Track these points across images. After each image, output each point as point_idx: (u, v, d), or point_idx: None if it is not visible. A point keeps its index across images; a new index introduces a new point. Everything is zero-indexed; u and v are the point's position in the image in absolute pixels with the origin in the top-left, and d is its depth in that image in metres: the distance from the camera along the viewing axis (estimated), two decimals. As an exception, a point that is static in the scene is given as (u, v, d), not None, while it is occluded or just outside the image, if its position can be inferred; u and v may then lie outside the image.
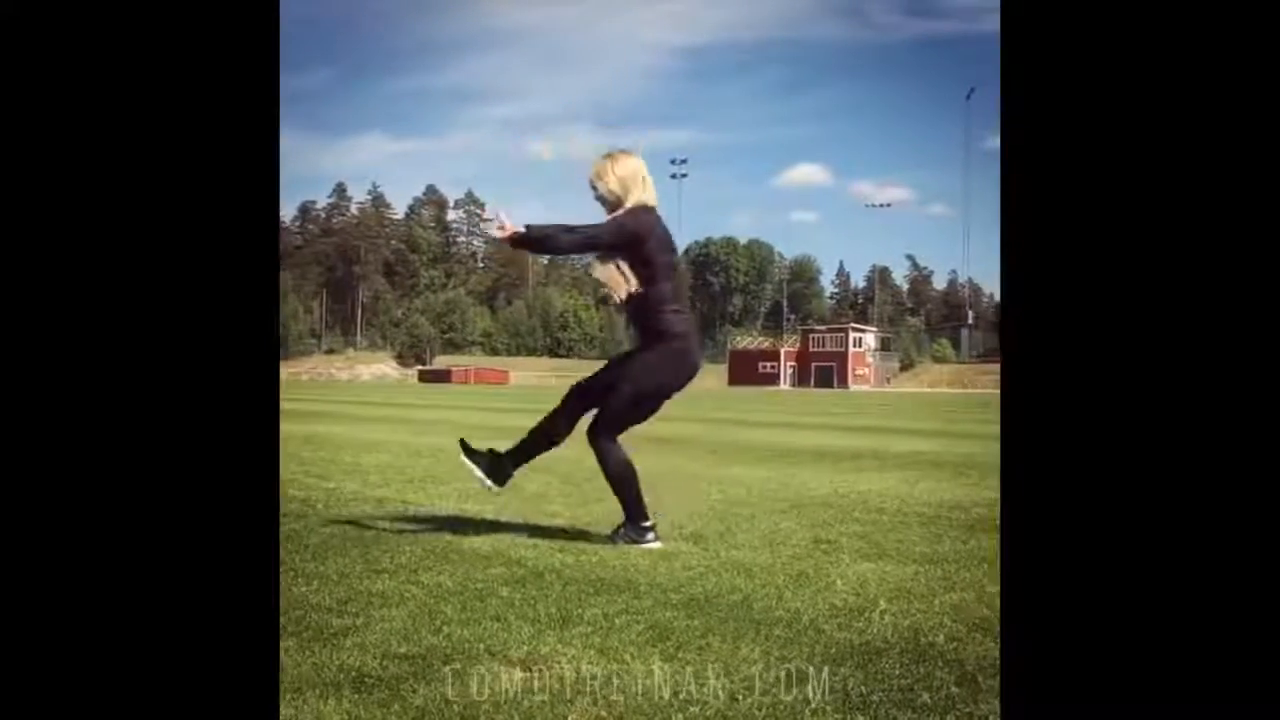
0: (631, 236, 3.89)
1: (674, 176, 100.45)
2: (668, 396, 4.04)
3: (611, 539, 3.96)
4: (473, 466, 4.16)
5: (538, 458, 4.17)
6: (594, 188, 4.02)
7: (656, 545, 3.89)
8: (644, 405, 4.03)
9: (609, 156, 4.02)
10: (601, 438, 4.00)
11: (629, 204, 3.96)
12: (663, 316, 3.93)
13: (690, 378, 4.05)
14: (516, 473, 4.18)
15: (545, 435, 4.12)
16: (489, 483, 4.13)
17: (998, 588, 3.14)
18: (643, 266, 3.90)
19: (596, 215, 4.03)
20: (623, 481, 4.00)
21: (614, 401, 3.99)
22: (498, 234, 3.93)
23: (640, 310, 3.95)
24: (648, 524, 3.98)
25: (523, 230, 3.89)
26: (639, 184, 3.98)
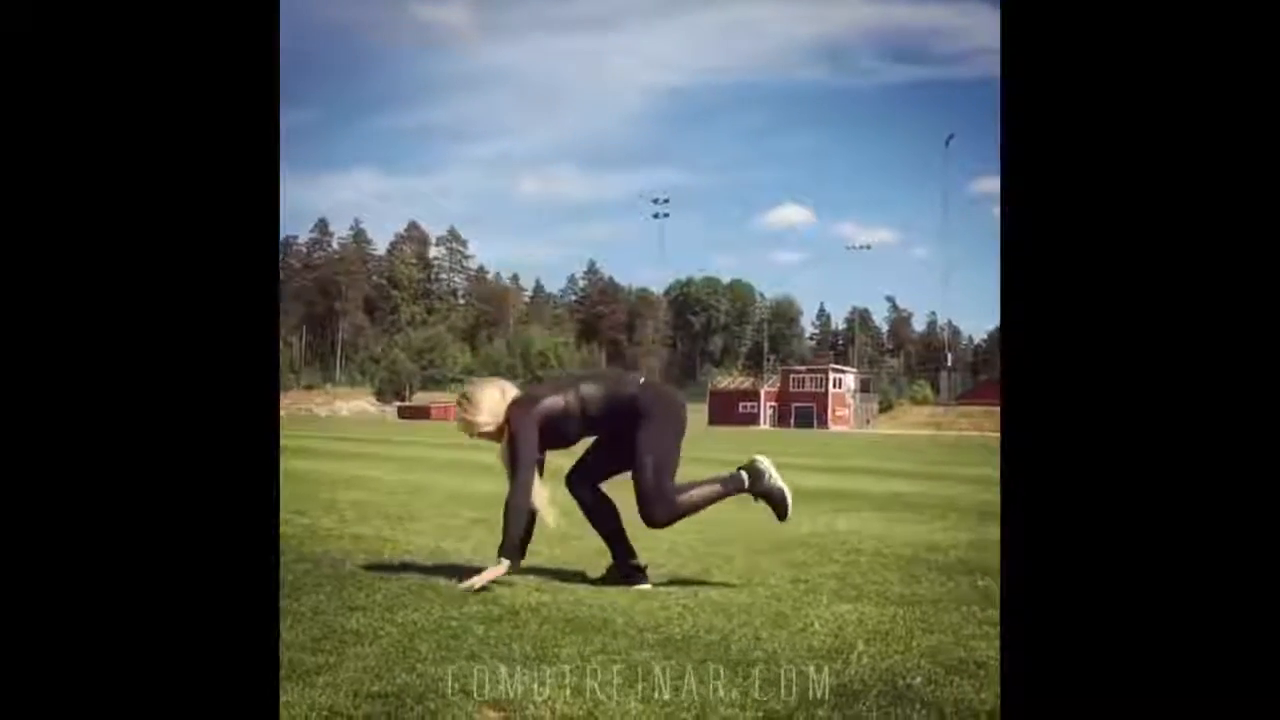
0: (529, 430, 3.83)
1: (656, 216, 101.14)
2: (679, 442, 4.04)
3: (781, 505, 4.04)
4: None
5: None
6: (473, 433, 3.94)
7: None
8: (668, 464, 3.98)
9: (464, 405, 3.94)
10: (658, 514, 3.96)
11: (505, 416, 3.89)
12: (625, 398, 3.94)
13: (682, 416, 4.08)
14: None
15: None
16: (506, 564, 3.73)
17: (976, 630, 3.14)
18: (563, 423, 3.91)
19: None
20: (710, 500, 4.05)
21: (647, 482, 3.90)
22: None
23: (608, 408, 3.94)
24: (745, 472, 4.05)
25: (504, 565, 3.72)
26: (501, 398, 3.93)
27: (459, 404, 3.99)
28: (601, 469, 4.11)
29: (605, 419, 3.96)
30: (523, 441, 3.81)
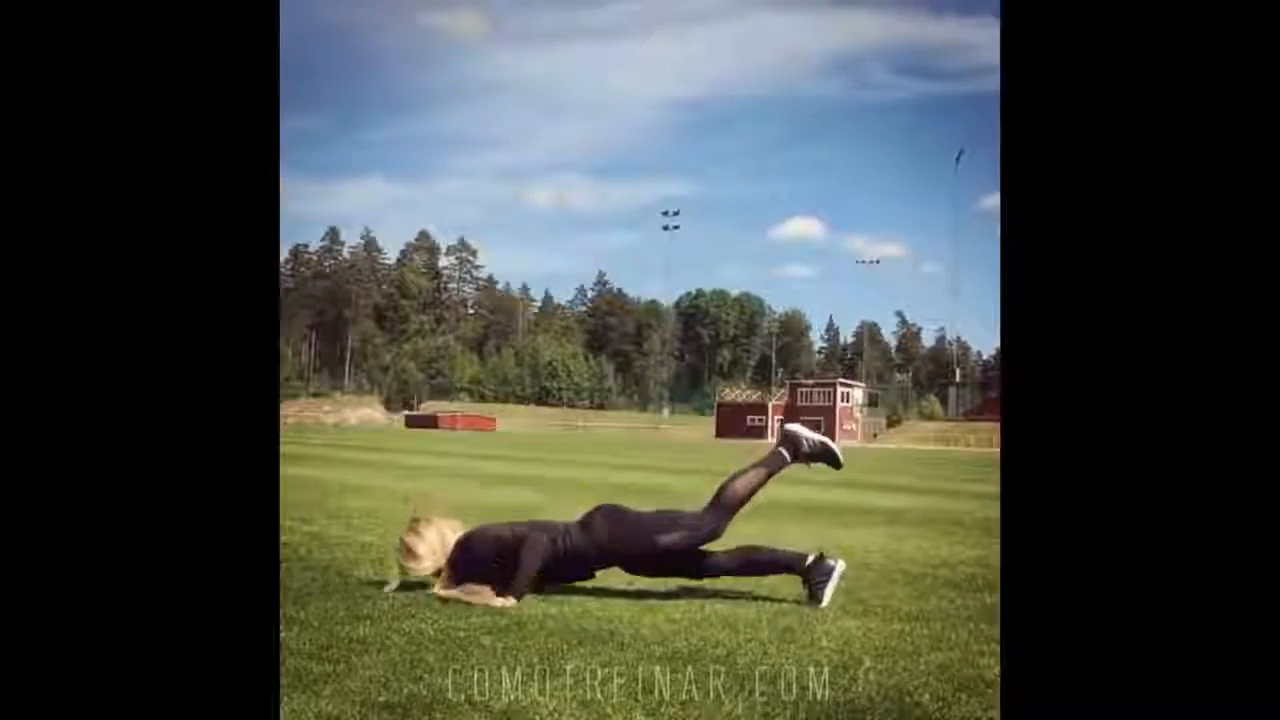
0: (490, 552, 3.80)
1: (666, 228, 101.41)
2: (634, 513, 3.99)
3: (812, 602, 3.85)
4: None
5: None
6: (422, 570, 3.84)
7: (842, 565, 3.95)
8: (660, 521, 3.98)
9: (404, 553, 3.86)
10: (705, 567, 3.98)
11: (452, 548, 3.86)
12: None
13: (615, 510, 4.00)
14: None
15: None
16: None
17: (984, 647, 3.13)
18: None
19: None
20: (752, 565, 4.05)
21: (688, 535, 3.94)
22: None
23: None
24: (812, 558, 3.95)
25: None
26: (441, 541, 3.88)
27: (399, 551, 3.89)
28: (668, 569, 3.99)
29: (569, 566, 3.86)
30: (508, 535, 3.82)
